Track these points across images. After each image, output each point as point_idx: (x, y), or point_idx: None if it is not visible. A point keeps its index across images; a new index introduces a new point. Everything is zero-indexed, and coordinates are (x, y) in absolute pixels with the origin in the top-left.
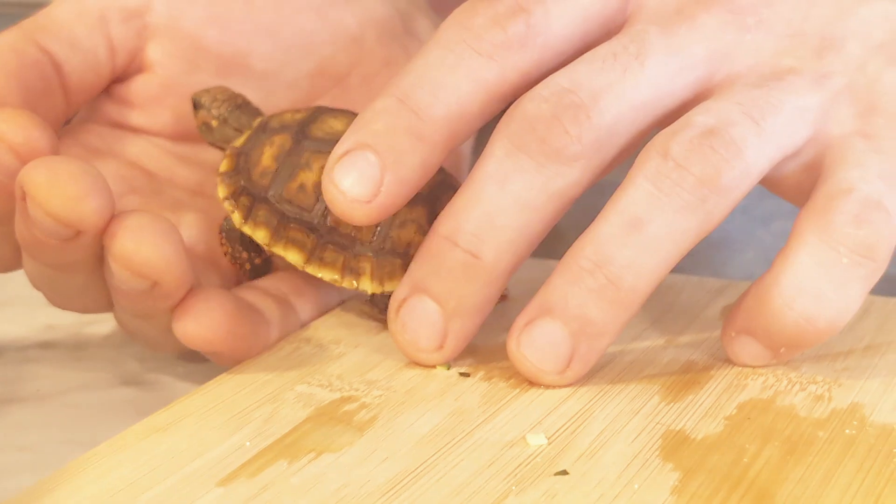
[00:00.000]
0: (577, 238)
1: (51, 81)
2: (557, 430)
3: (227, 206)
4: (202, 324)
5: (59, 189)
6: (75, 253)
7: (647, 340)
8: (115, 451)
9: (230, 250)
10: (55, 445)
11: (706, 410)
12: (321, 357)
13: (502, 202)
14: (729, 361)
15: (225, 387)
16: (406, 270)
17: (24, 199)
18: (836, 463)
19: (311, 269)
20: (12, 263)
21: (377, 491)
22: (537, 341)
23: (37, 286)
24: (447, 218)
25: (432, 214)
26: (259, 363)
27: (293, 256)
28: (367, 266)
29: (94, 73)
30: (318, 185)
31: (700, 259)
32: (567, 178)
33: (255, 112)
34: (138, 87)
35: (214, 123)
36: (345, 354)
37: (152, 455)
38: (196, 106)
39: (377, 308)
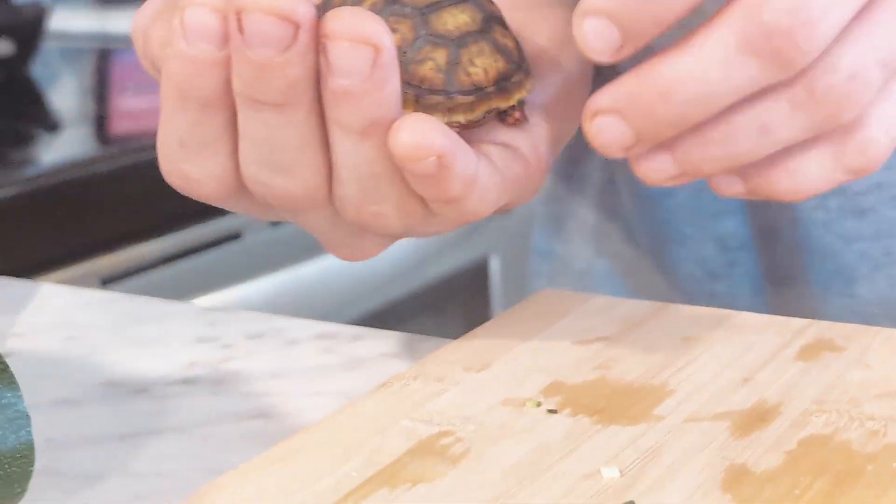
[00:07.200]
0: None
1: None
2: (631, 464)
3: None
4: (416, 132)
5: None
6: (295, 67)
7: (725, 378)
8: (238, 481)
9: None
10: (191, 473)
11: (769, 445)
12: (425, 393)
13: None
14: (798, 399)
15: (339, 420)
16: (418, 102)
17: (240, 30)
18: (881, 495)
19: None
20: (229, 189)
21: None
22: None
23: (253, 179)
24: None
25: (453, 56)
26: (371, 399)
27: None
28: None
29: None
30: None
31: (782, 265)
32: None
33: None
34: None
35: None
36: (446, 391)
37: (271, 484)
38: None
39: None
